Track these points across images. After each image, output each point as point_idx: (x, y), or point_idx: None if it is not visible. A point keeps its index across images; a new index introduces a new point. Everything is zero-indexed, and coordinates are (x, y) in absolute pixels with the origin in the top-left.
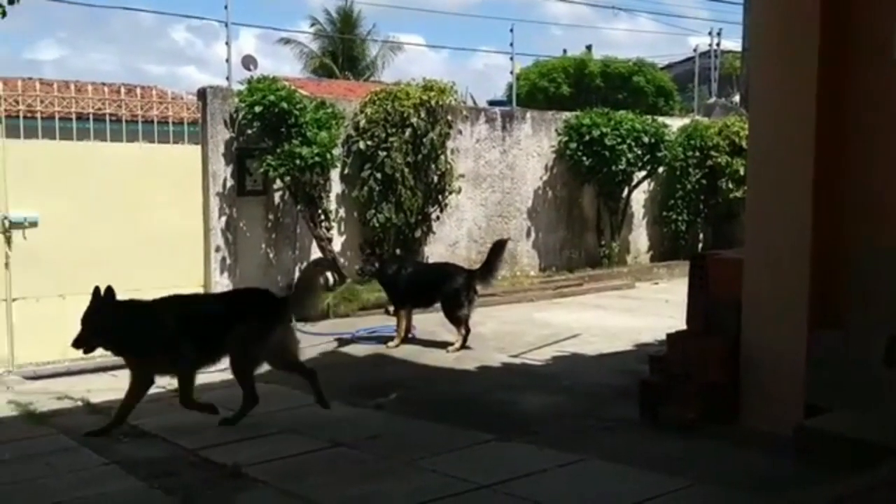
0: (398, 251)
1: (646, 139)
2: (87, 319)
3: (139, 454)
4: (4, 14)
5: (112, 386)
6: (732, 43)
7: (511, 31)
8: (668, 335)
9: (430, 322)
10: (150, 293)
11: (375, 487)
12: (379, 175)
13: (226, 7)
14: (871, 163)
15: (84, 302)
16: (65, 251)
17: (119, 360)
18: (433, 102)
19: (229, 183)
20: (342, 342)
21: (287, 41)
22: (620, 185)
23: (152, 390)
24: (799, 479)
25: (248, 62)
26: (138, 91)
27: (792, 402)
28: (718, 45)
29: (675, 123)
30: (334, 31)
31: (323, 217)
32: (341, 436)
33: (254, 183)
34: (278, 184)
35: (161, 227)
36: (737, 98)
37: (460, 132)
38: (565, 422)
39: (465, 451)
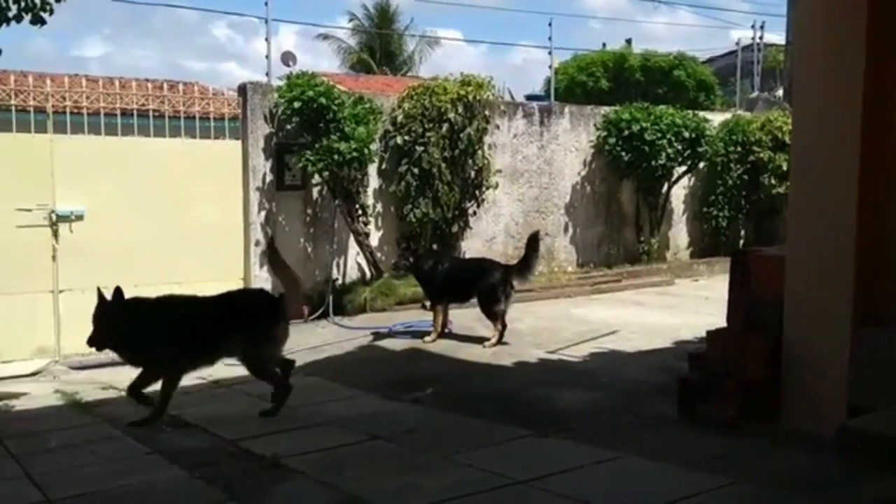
0: (434, 246)
1: (686, 134)
2: (98, 319)
3: (181, 444)
4: (52, 11)
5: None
6: (776, 36)
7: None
8: (708, 332)
9: (466, 317)
10: (190, 286)
11: (412, 481)
12: (416, 170)
13: (266, 3)
14: None
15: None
16: (109, 244)
17: None
18: (470, 97)
19: (269, 178)
20: (379, 336)
21: (325, 37)
22: (660, 180)
23: (193, 381)
24: (841, 480)
25: (288, 58)
26: (181, 87)
27: (834, 402)
28: (761, 38)
29: (716, 118)
30: (372, 26)
31: (360, 212)
32: (378, 429)
33: (293, 178)
34: (316, 179)
35: (202, 221)
36: (780, 92)
37: (497, 127)
38: (603, 418)
39: (501, 446)
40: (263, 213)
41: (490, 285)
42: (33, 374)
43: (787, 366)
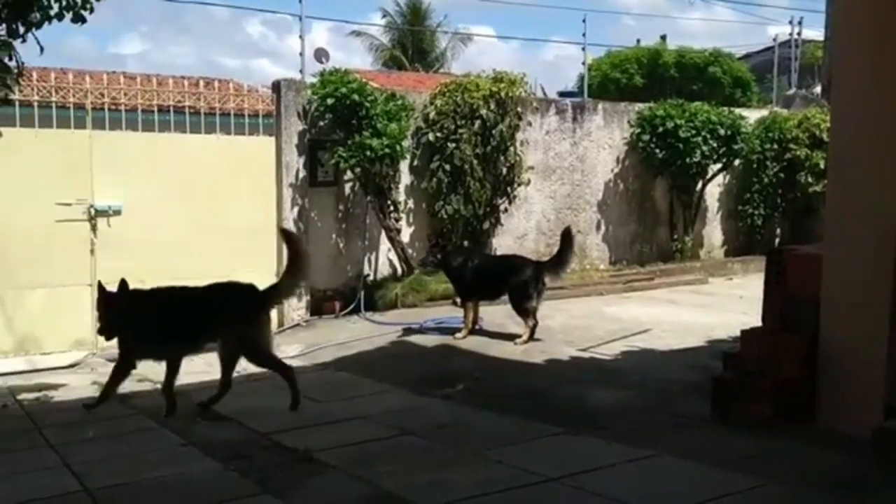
0: (466, 243)
1: (721, 131)
2: (100, 310)
3: (215, 436)
4: (92, 10)
5: (189, 369)
6: (814, 32)
7: (583, 21)
8: (743, 331)
9: (497, 314)
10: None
11: (443, 476)
12: (448, 167)
13: (300, 1)
14: None
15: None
16: (145, 238)
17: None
18: (503, 94)
19: (301, 174)
20: (410, 332)
21: (358, 34)
22: (694, 177)
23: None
24: (877, 481)
25: (321, 55)
26: (216, 84)
27: (871, 402)
28: (799, 34)
29: (752, 115)
30: (404, 23)
31: (392, 208)
32: (410, 424)
33: (325, 174)
34: (349, 175)
35: (236, 217)
36: (818, 89)
37: (530, 124)
38: (635, 417)
39: (533, 443)
40: (296, 209)
41: (521, 282)
42: (71, 365)
43: (823, 365)
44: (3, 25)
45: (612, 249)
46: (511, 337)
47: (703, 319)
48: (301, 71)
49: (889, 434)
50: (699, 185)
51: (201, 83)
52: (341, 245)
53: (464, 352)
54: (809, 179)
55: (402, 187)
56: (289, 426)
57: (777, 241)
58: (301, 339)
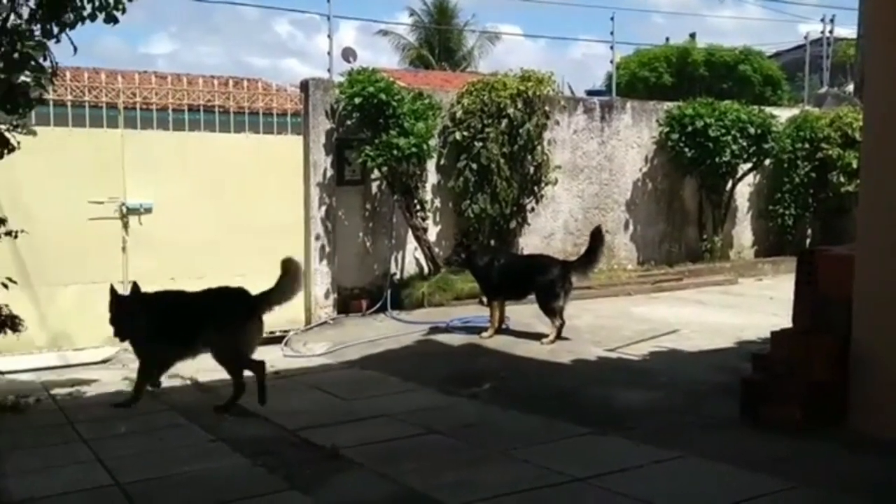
0: (492, 242)
1: (752, 130)
2: (111, 313)
3: (244, 433)
4: (124, 10)
5: (216, 366)
6: (846, 30)
7: (612, 19)
8: (773, 333)
9: (524, 313)
10: (252, 278)
11: (469, 475)
12: (475, 166)
13: (328, 0)
14: None
15: (193, 284)
16: (175, 236)
17: None
18: (530, 93)
19: (329, 172)
20: (436, 331)
21: (385, 33)
22: (724, 177)
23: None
24: None
25: (348, 54)
26: (245, 83)
27: None
28: (831, 31)
29: (783, 114)
30: (431, 22)
31: (419, 207)
32: (436, 423)
33: (352, 173)
34: (376, 174)
35: (264, 215)
36: (850, 88)
37: (557, 123)
38: (663, 418)
39: (560, 443)
40: (324, 208)
41: (548, 281)
42: (103, 361)
43: (856, 367)
44: (38, 26)
45: (640, 249)
46: (538, 336)
47: (733, 320)
48: (329, 70)
49: None
50: (729, 185)
51: (230, 83)
52: (368, 244)
53: (490, 351)
54: (842, 179)
55: (428, 186)
56: (316, 423)
57: (808, 241)
58: (328, 337)
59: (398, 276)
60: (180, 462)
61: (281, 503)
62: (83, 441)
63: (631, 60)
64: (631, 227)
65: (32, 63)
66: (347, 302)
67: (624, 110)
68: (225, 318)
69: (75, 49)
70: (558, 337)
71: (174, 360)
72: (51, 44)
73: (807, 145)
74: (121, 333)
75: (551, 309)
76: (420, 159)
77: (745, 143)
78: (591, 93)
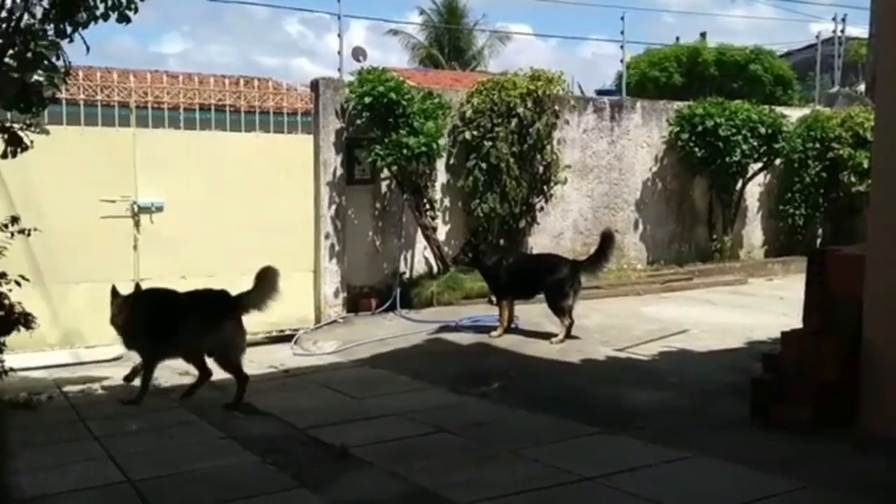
0: (502, 241)
1: (762, 130)
2: (115, 310)
3: (253, 431)
4: (136, 10)
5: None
6: (857, 29)
7: (622, 19)
8: (783, 333)
9: (533, 313)
10: None
11: (479, 474)
12: (484, 165)
13: (338, 0)
14: None
15: (203, 283)
16: (186, 235)
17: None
18: (540, 92)
19: (339, 172)
20: (445, 330)
21: (395, 32)
22: (734, 177)
23: (265, 370)
24: None
25: (358, 54)
26: (255, 83)
27: None
28: (843, 31)
29: (794, 114)
30: (441, 21)
31: (428, 206)
32: (446, 422)
33: (362, 172)
34: (385, 173)
35: (274, 214)
36: (861, 87)
37: (567, 122)
38: (672, 418)
39: (569, 442)
40: (334, 207)
41: (557, 281)
42: (115, 359)
43: (866, 368)
44: (51, 25)
45: (649, 249)
46: (547, 336)
47: (743, 320)
48: (339, 69)
49: None
50: (739, 185)
51: (241, 82)
52: (377, 243)
53: (499, 350)
54: (853, 179)
55: (438, 185)
56: (325, 421)
57: (819, 241)
58: (338, 335)
59: (407, 275)
60: (191, 459)
61: (290, 501)
62: (95, 438)
63: (641, 60)
64: (640, 227)
65: (46, 62)
66: (357, 301)
67: (634, 110)
68: (205, 317)
69: (88, 48)
70: (567, 336)
71: (162, 357)
72: (64, 43)
73: (817, 145)
74: (117, 330)
75: (560, 308)
76: (430, 158)
77: (755, 143)
78: (601, 92)
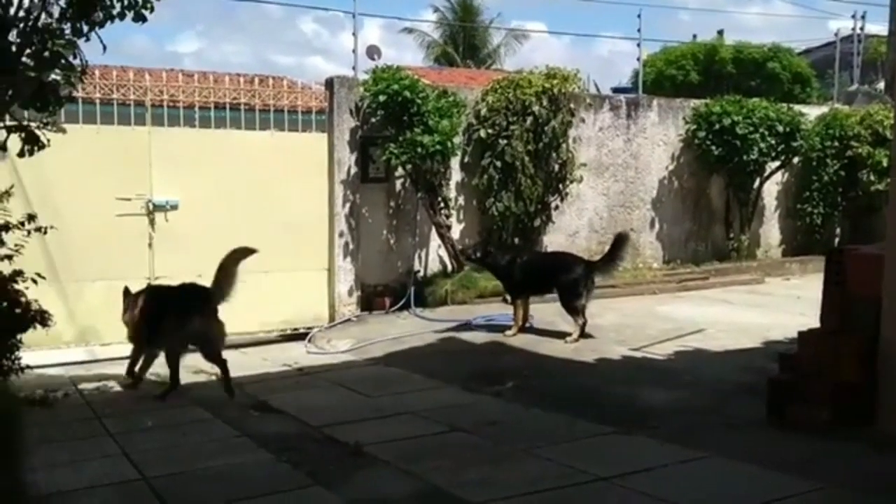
0: (517, 240)
1: (780, 128)
2: (126, 306)
3: (268, 429)
4: (153, 9)
5: (241, 363)
6: (877, 27)
7: (639, 16)
8: (800, 332)
9: (547, 312)
10: (278, 275)
11: (493, 473)
12: (499, 163)
13: None
14: None
15: None
16: (201, 233)
17: (248, 337)
18: (555, 90)
19: (353, 170)
20: (459, 329)
21: (410, 30)
22: (752, 175)
23: (279, 369)
24: None
25: (373, 52)
26: (270, 81)
27: None
28: (862, 28)
29: (812, 112)
30: (456, 19)
31: (442, 204)
32: (459, 421)
33: (376, 170)
34: (400, 171)
35: (289, 212)
36: (881, 85)
37: (583, 120)
38: (688, 418)
39: (583, 441)
40: (348, 205)
41: (571, 280)
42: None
43: (884, 368)
44: (68, 25)
45: (665, 248)
46: (561, 335)
47: (759, 320)
48: (354, 68)
49: None
50: (756, 183)
51: (256, 80)
52: (392, 241)
53: (514, 349)
54: (871, 177)
55: (452, 184)
56: (339, 420)
57: (837, 240)
58: (352, 334)
59: (422, 274)
60: (205, 457)
61: (305, 499)
62: (110, 435)
63: (658, 58)
64: (657, 226)
65: (62, 61)
66: (371, 299)
67: (650, 108)
68: (181, 310)
69: (104, 47)
70: (581, 335)
71: (158, 352)
72: (80, 42)
73: (836, 143)
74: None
75: (573, 307)
76: (444, 157)
77: (773, 141)
78: (617, 90)
